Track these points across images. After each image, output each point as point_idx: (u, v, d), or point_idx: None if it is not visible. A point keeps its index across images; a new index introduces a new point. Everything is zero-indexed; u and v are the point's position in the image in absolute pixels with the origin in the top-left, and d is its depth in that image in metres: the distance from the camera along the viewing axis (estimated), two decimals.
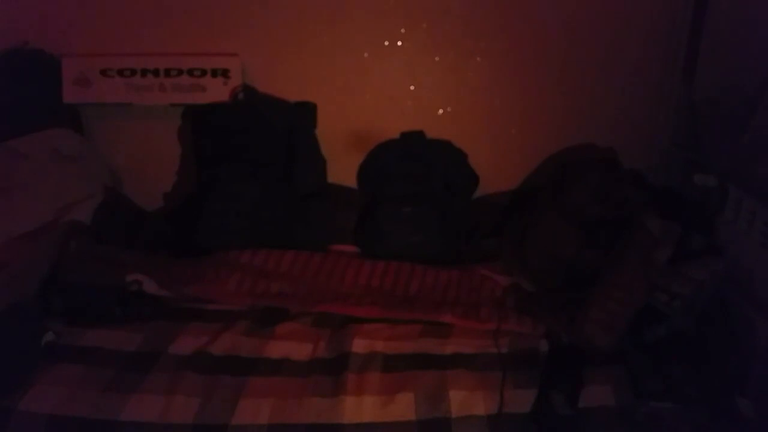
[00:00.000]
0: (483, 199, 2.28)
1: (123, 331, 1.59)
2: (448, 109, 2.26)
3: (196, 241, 2.01)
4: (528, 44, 2.17)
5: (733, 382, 1.46)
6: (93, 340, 1.57)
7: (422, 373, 1.48)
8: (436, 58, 2.20)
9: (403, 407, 1.41)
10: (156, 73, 2.16)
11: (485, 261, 1.97)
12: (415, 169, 2.15)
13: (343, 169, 2.27)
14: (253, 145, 2.10)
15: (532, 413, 1.40)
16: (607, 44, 2.15)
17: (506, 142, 2.29)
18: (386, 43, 2.18)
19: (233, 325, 1.62)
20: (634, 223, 1.64)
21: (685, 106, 2.08)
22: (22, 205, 1.88)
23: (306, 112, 2.18)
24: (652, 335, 1.54)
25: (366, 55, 2.19)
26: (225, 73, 2.16)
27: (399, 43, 2.18)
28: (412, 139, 2.21)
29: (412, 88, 2.24)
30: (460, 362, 1.51)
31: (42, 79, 2.14)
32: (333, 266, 1.91)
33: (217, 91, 2.17)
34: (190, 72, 2.16)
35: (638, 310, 1.54)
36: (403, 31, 2.17)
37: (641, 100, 2.21)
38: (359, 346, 1.56)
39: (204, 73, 2.16)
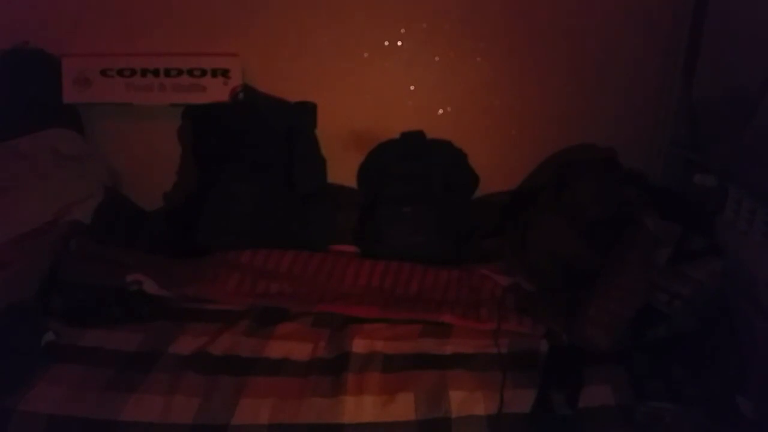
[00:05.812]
0: (483, 199, 2.28)
1: (123, 331, 1.59)
2: (448, 109, 2.26)
3: (197, 240, 2.00)
4: (528, 44, 2.17)
5: (733, 382, 1.46)
6: (93, 340, 1.56)
7: (422, 373, 1.48)
8: (436, 58, 2.21)
9: (403, 407, 1.41)
10: (156, 73, 2.16)
11: (485, 261, 1.97)
12: (415, 169, 2.15)
13: (343, 169, 2.27)
14: (253, 145, 2.10)
15: (532, 413, 1.40)
16: (607, 44, 2.15)
17: (506, 142, 2.29)
18: (386, 43, 2.18)
19: (233, 325, 1.62)
20: (634, 223, 1.64)
21: (685, 106, 2.08)
22: (22, 205, 1.88)
23: (306, 112, 2.18)
24: (653, 335, 1.54)
25: (366, 55, 2.20)
26: (225, 73, 2.16)
27: (399, 43, 2.18)
28: (412, 139, 2.21)
29: (412, 88, 2.24)
30: (460, 362, 1.51)
31: (42, 79, 2.14)
32: (333, 266, 1.91)
33: (217, 91, 2.17)
34: (190, 72, 2.16)
35: (638, 310, 1.54)
36: (403, 31, 2.17)
37: (641, 100, 2.22)
38: (359, 346, 1.56)
39: (204, 73, 2.16)
